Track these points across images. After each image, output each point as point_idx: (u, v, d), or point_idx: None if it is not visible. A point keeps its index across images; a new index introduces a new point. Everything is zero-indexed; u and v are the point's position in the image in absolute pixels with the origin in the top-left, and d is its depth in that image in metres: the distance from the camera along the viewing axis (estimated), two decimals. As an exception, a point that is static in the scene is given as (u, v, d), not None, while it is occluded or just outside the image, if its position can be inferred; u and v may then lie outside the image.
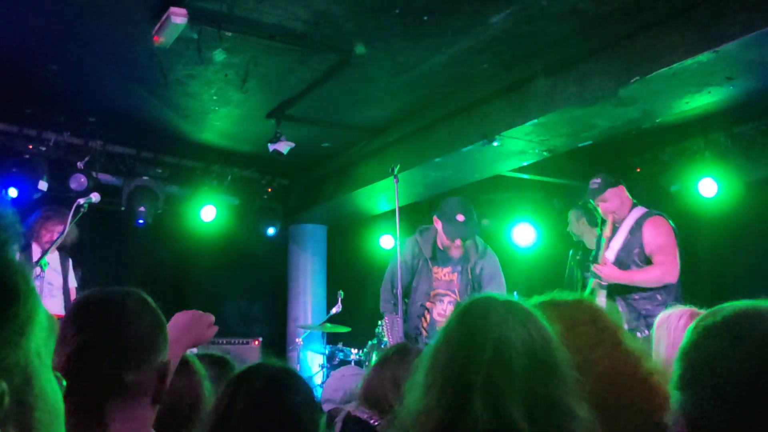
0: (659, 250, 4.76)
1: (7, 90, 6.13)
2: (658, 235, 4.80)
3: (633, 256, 4.84)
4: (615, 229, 4.99)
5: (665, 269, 4.70)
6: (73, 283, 6.12)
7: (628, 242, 4.88)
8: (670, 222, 4.91)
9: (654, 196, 7.46)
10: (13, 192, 6.83)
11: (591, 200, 5.11)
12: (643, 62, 4.77)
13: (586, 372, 1.49)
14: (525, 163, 6.85)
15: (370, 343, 7.17)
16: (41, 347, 0.69)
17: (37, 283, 5.00)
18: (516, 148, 6.35)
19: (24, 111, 6.65)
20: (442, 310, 4.89)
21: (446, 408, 1.40)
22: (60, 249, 5.95)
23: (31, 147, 7.00)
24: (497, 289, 4.97)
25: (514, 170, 7.31)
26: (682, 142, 7.04)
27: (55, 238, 5.56)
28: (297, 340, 7.77)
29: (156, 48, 5.00)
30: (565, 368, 1.44)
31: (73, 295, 5.93)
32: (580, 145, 6.26)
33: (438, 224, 4.91)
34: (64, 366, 1.43)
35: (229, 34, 4.92)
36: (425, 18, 4.78)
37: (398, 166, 4.92)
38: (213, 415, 1.72)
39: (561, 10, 4.63)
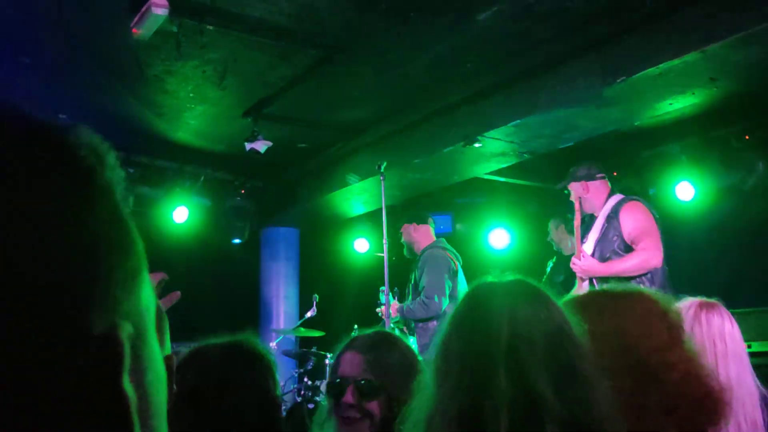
0: (639, 234, 4.60)
1: (-25, 84, 5.93)
2: (635, 220, 4.65)
3: (613, 245, 4.68)
4: (592, 219, 4.93)
5: (648, 254, 4.53)
6: None
7: (605, 231, 4.74)
8: (647, 206, 4.80)
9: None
10: None
11: (566, 186, 5.05)
12: (629, 62, 4.78)
13: (662, 375, 1.46)
14: (504, 165, 6.84)
15: (346, 347, 7.08)
16: (150, 304, 0.61)
17: None
18: (496, 150, 6.33)
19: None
20: None
21: (467, 391, 1.34)
22: None
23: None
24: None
25: (491, 173, 7.30)
26: (659, 146, 7.09)
27: None
28: (271, 344, 7.63)
29: (134, 41, 4.85)
30: (582, 339, 1.41)
31: None
32: (560, 146, 6.26)
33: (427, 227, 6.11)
34: None
35: (211, 27, 4.81)
36: (411, 15, 4.72)
37: (385, 163, 4.87)
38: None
39: (549, 8, 4.61)
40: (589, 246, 4.82)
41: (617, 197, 4.87)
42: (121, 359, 0.51)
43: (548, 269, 7.03)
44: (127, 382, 0.52)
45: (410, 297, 6.08)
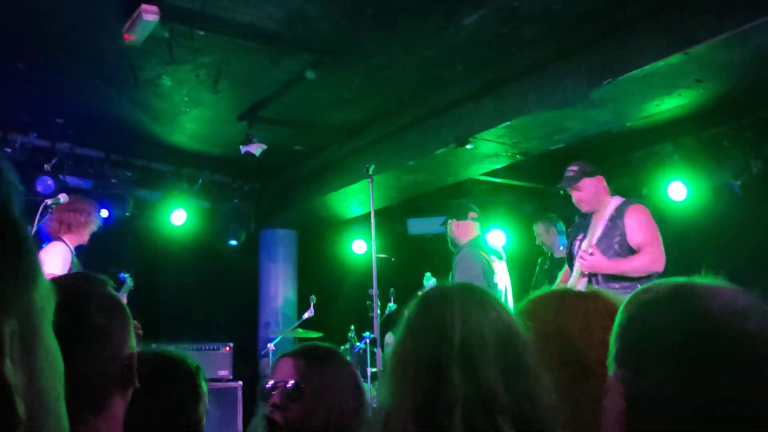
0: (646, 240, 4.63)
1: (-28, 89, 6.01)
2: (642, 223, 4.70)
3: (614, 244, 4.70)
4: (588, 217, 4.92)
5: (653, 257, 4.58)
6: None
7: (608, 230, 4.75)
8: (650, 211, 4.82)
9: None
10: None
11: (565, 188, 4.97)
12: (615, 64, 4.81)
13: (597, 370, 1.52)
14: (498, 167, 6.88)
15: (342, 348, 7.15)
16: (45, 304, 0.68)
17: None
18: (489, 151, 6.38)
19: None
20: None
21: (424, 389, 1.41)
22: None
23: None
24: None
25: (486, 174, 7.34)
26: (652, 146, 7.13)
27: None
28: (269, 345, 7.70)
29: (126, 46, 4.93)
30: (527, 336, 1.49)
31: None
32: (552, 148, 6.31)
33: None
34: None
35: (202, 33, 4.88)
36: (399, 18, 4.79)
37: (373, 166, 4.92)
38: None
39: (533, 11, 4.67)
40: (588, 244, 4.81)
41: (619, 199, 4.87)
42: (1, 348, 0.58)
43: (538, 268, 7.05)
44: (9, 366, 0.59)
45: None
